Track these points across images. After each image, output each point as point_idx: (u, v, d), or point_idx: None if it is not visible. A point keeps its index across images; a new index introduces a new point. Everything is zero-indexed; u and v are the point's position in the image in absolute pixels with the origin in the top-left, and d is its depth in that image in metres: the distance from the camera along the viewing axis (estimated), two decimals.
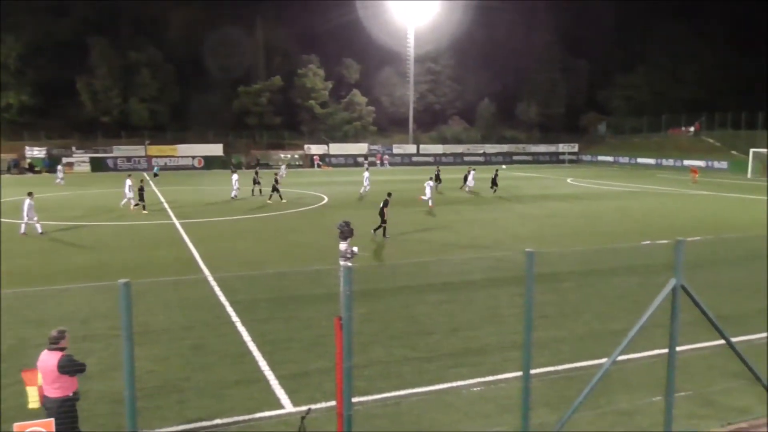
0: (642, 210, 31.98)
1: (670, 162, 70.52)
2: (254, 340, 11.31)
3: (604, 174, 61.91)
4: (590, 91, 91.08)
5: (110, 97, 72.28)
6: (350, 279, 6.16)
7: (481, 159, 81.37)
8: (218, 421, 8.25)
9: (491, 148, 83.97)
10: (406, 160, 79.00)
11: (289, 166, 67.00)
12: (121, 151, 68.32)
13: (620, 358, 7.78)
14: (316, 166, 73.66)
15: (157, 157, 68.33)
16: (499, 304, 13.64)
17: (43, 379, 6.61)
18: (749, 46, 79.24)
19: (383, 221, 22.80)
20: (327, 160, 75.39)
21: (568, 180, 53.66)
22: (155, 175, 54.92)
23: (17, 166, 62.36)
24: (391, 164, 76.33)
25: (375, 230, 22.95)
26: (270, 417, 8.36)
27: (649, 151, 75.83)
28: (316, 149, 75.86)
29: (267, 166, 66.18)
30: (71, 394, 6.69)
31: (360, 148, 78.40)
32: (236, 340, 11.38)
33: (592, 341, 11.27)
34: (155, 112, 74.64)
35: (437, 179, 38.61)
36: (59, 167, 52.11)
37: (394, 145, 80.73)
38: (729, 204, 35.28)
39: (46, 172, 61.11)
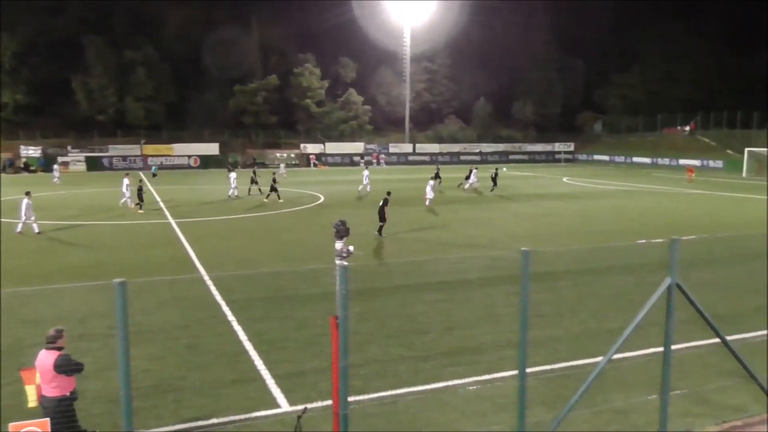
0: (638, 209, 32.06)
1: (666, 161, 70.69)
2: (250, 339, 11.31)
3: (600, 173, 62.02)
4: (586, 90, 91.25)
5: (106, 95, 72.13)
6: (346, 278, 6.16)
7: (477, 158, 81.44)
8: (214, 420, 8.24)
9: (487, 148, 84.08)
10: (403, 159, 79.03)
11: (286, 165, 67.03)
12: (116, 150, 68.19)
13: (616, 356, 7.79)
14: (312, 165, 73.62)
15: (153, 156, 68.23)
16: (495, 303, 13.66)
17: (40, 378, 6.61)
18: (744, 46, 79.53)
19: (382, 220, 22.80)
20: (323, 159, 75.38)
21: (564, 179, 53.74)
22: (154, 174, 54.79)
23: (12, 166, 62.14)
24: (387, 163, 76.35)
25: (380, 231, 22.95)
26: (266, 416, 8.36)
27: (644, 151, 75.98)
28: (312, 148, 75.84)
29: (263, 165, 66.16)
30: (68, 394, 6.67)
31: (356, 147, 78.43)
32: (232, 340, 11.37)
33: (588, 340, 11.29)
34: (151, 111, 74.50)
35: (437, 177, 38.71)
36: (55, 166, 51.97)
37: (390, 145, 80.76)
38: (724, 203, 35.39)
39: (42, 171, 60.96)
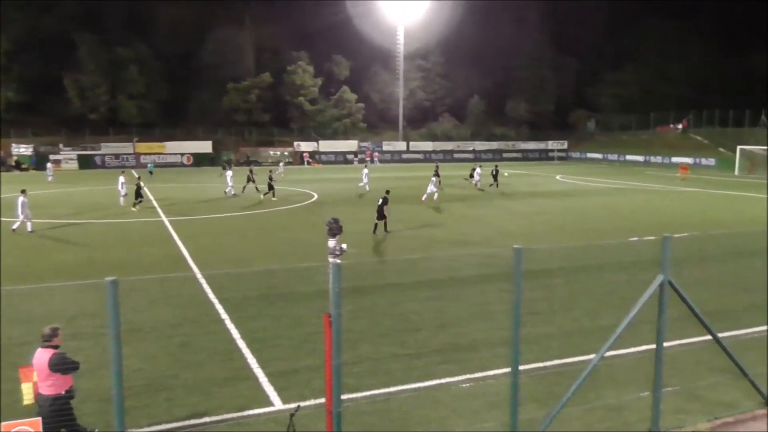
0: (630, 207, 32.16)
1: (659, 159, 70.92)
2: (243, 337, 11.29)
3: (593, 171, 62.18)
4: (579, 88, 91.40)
5: (98, 93, 71.72)
6: (339, 276, 6.16)
7: (471, 156, 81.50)
8: (207, 419, 8.22)
9: (481, 146, 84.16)
10: (396, 158, 78.99)
11: (284, 163, 66.92)
12: (109, 148, 67.82)
13: (608, 353, 7.82)
14: (305, 163, 73.52)
15: (145, 154, 67.88)
16: (488, 301, 13.68)
17: (37, 376, 6.60)
18: (737, 45, 79.88)
19: (382, 218, 22.84)
20: (317, 157, 75.25)
21: (558, 177, 53.85)
22: (150, 172, 54.53)
23: (3, 164, 61.69)
24: (380, 161, 76.29)
25: (385, 230, 23.08)
26: (259, 414, 8.35)
27: (637, 149, 76.21)
28: (305, 146, 75.71)
29: (257, 163, 66.03)
30: (63, 392, 6.66)
31: (350, 145, 78.36)
32: (225, 338, 11.34)
33: (581, 337, 11.33)
34: (143, 109, 74.12)
35: (436, 175, 38.88)
36: (49, 165, 51.62)
37: (384, 143, 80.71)
38: (716, 201, 35.55)
39: (33, 169, 60.57)
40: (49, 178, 47.83)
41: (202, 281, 15.53)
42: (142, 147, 68.92)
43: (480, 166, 44.84)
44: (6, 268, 17.04)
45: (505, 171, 43.45)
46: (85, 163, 65.32)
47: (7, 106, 68.66)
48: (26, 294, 14.15)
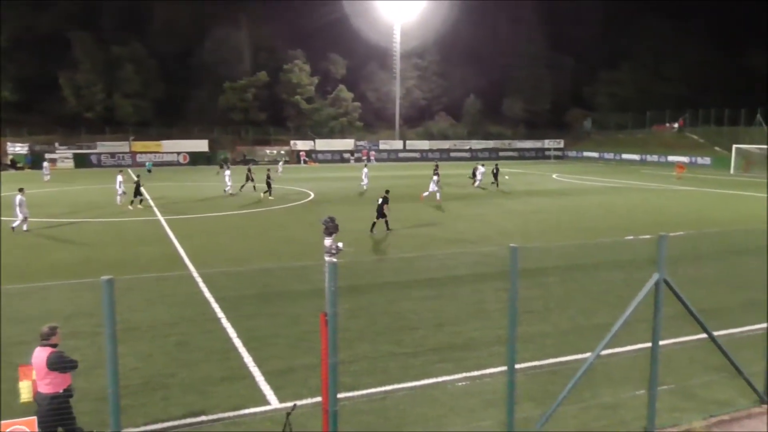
0: (626, 206, 32.23)
1: (655, 158, 71.07)
2: (240, 336, 11.28)
3: (590, 170, 62.29)
4: (575, 87, 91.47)
5: (93, 92, 71.46)
6: (335, 275, 6.16)
7: (467, 155, 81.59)
8: (203, 417, 8.22)
9: (477, 144, 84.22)
10: (393, 156, 78.97)
11: (275, 162, 66.79)
12: (105, 147, 67.65)
13: (604, 352, 7.85)
14: (302, 162, 73.45)
15: (141, 153, 67.76)
16: (484, 299, 13.70)
17: (36, 374, 6.61)
18: (733, 44, 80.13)
19: (382, 217, 22.90)
20: (313, 156, 75.21)
21: (554, 176, 53.93)
22: (148, 170, 54.33)
23: None
24: (377, 160, 76.28)
25: (388, 229, 23.17)
26: (255, 413, 8.35)
27: (633, 147, 76.35)
28: (302, 145, 75.64)
29: (253, 162, 65.95)
30: (61, 391, 6.66)
31: (346, 144, 78.33)
32: (222, 337, 11.34)
33: (577, 336, 11.35)
34: (139, 107, 73.83)
35: (437, 174, 39.04)
36: (45, 164, 51.42)
37: (380, 141, 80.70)
38: (712, 200, 35.65)
39: (29, 168, 60.37)
40: (47, 177, 47.63)
41: (199, 280, 15.51)
42: (138, 146, 68.78)
43: (483, 165, 44.93)
44: (2, 266, 16.99)
45: (506, 174, 43.55)
46: (81, 162, 65.15)
47: (2, 105, 68.36)
48: (22, 293, 14.11)
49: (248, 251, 19.93)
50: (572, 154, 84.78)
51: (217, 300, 13.53)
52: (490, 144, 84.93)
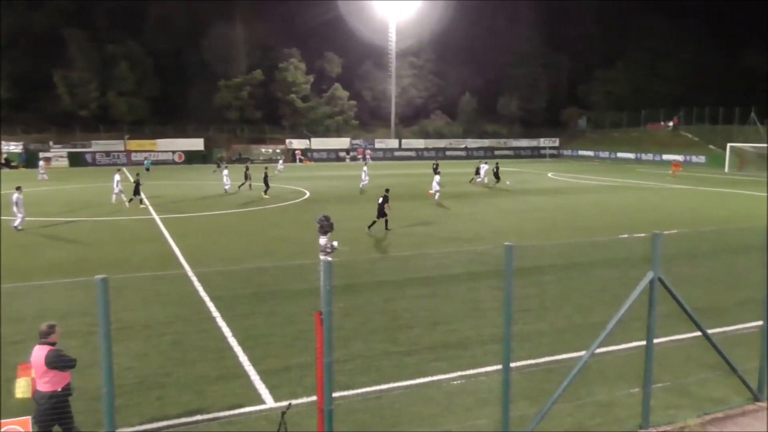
0: (622, 204, 32.31)
1: (650, 156, 71.29)
2: (235, 335, 11.27)
3: (585, 168, 62.40)
4: (571, 86, 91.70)
5: (88, 90, 71.20)
6: (330, 274, 6.15)
7: (462, 153, 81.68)
8: (199, 417, 8.21)
9: (473, 143, 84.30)
10: (389, 155, 78.96)
11: (270, 160, 66.76)
12: (99, 145, 67.47)
13: (599, 350, 7.87)
14: (297, 160, 73.36)
15: (136, 151, 67.62)
16: (480, 298, 13.71)
17: (34, 372, 6.61)
18: (727, 42, 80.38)
19: (382, 216, 22.92)
20: (309, 154, 75.13)
21: (549, 174, 54.00)
22: (147, 169, 54.17)
23: None
24: (373, 159, 76.27)
25: (386, 227, 23.15)
26: (251, 412, 8.34)
27: (628, 146, 76.57)
28: (297, 144, 75.56)
29: (249, 160, 65.87)
30: (60, 390, 6.66)
31: (342, 142, 78.27)
32: (217, 336, 11.32)
33: (572, 334, 11.37)
34: (134, 106, 73.66)
35: (438, 173, 39.24)
36: (41, 163, 51.21)
37: (376, 140, 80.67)
38: (707, 198, 35.76)
39: (23, 167, 60.11)
40: (44, 177, 47.38)
41: (194, 279, 15.49)
42: (133, 144, 68.62)
43: (486, 163, 45.17)
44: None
45: (507, 180, 43.85)
46: (76, 160, 64.93)
47: None
48: (17, 292, 14.06)
49: (243, 250, 19.90)
50: (567, 152, 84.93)
51: (213, 299, 13.51)
52: (486, 143, 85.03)
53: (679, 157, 64.19)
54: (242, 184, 38.18)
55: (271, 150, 73.02)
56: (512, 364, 7.30)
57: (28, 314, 11.78)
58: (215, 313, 12.56)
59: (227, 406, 8.49)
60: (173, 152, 69.52)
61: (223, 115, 77.12)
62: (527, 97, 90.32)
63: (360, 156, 75.70)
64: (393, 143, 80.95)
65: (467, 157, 79.67)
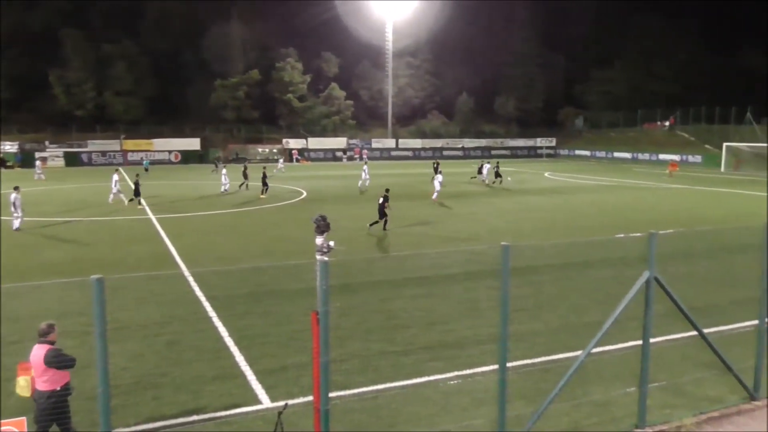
0: (618, 204, 32.35)
1: (646, 156, 71.40)
2: (231, 335, 11.25)
3: (582, 168, 62.47)
4: (567, 86, 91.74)
5: (84, 90, 71.06)
6: (327, 273, 6.15)
7: (459, 153, 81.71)
8: (195, 417, 8.19)
9: (470, 143, 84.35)
10: (386, 155, 78.96)
11: (268, 160, 66.68)
12: (95, 145, 67.33)
13: (595, 350, 7.87)
14: (294, 160, 73.30)
15: (132, 151, 67.49)
16: (476, 298, 13.71)
17: (34, 371, 6.62)
18: (723, 42, 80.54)
19: (383, 216, 22.93)
20: (306, 154, 75.07)
21: (546, 174, 54.06)
22: (146, 169, 54.09)
23: None
24: (370, 158, 76.20)
25: (384, 228, 23.15)
26: (247, 413, 8.33)
27: (625, 146, 76.69)
28: (294, 143, 75.49)
29: (246, 160, 65.80)
30: (59, 389, 6.67)
31: (339, 142, 78.23)
32: (213, 336, 11.30)
33: (568, 334, 11.38)
34: (131, 105, 73.52)
35: (438, 171, 39.25)
36: (37, 163, 51.08)
37: (373, 140, 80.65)
38: (703, 197, 35.83)
39: (19, 167, 59.91)
40: (41, 176, 47.26)
41: (190, 279, 15.45)
42: (130, 144, 68.49)
43: (489, 163, 45.36)
44: None
45: (509, 176, 44.07)
46: (72, 160, 64.79)
47: None
48: (12, 292, 14.01)
49: (240, 250, 19.87)
50: (564, 152, 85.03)
51: (209, 299, 13.49)
52: (483, 142, 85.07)
53: (676, 157, 64.34)
54: (242, 183, 38.26)
55: (267, 150, 72.97)
56: (509, 364, 7.30)
57: (24, 314, 11.77)
58: (211, 313, 12.54)
59: (223, 406, 8.47)
60: (170, 152, 69.41)
61: (220, 114, 77.00)
62: (524, 96, 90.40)
63: (357, 156, 75.71)
64: (390, 143, 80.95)
65: (464, 157, 79.76)
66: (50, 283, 14.77)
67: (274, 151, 72.83)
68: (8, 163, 61.13)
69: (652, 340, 7.89)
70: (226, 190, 37.00)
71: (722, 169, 58.71)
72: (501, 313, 7.09)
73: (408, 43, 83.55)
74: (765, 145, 55.97)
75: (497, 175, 42.78)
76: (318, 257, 13.94)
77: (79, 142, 66.70)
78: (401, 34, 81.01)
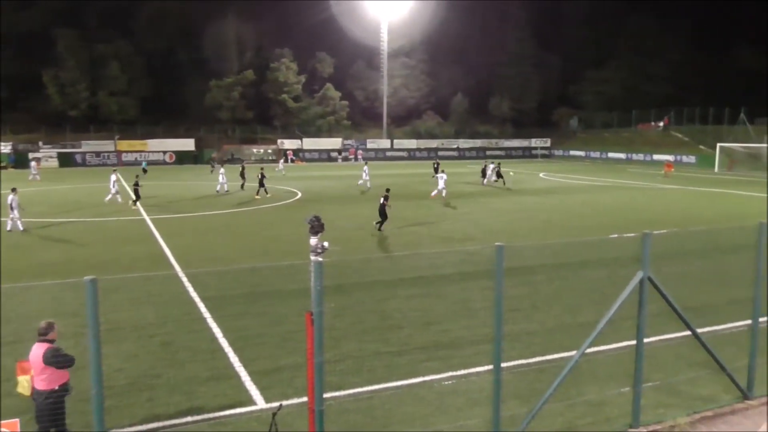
0: (612, 204, 32.43)
1: (640, 156, 71.61)
2: (226, 336, 11.23)
3: (576, 168, 62.61)
4: (562, 86, 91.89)
5: (78, 90, 70.77)
6: (321, 274, 6.15)
7: (455, 154, 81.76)
8: (189, 418, 8.17)
9: (465, 143, 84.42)
10: (381, 155, 78.89)
11: (263, 161, 66.57)
12: (89, 146, 67.05)
13: (589, 350, 7.89)
14: (289, 160, 73.17)
15: (126, 152, 67.27)
16: (471, 298, 13.73)
17: (33, 370, 6.61)
18: (717, 43, 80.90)
19: (385, 216, 22.94)
20: (301, 154, 74.98)
21: (541, 174, 54.15)
22: (144, 170, 53.88)
23: None
24: (364, 159, 76.12)
25: (380, 227, 23.14)
26: (241, 414, 8.32)
27: (619, 146, 76.90)
28: (289, 144, 75.38)
29: (242, 161, 65.69)
30: (57, 387, 6.68)
31: (334, 142, 78.18)
32: (207, 337, 11.28)
33: (563, 334, 11.40)
34: (125, 105, 73.27)
35: (438, 171, 39.19)
36: (33, 163, 50.84)
37: (368, 140, 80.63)
38: (697, 198, 35.95)
39: (12, 167, 59.64)
40: (36, 177, 47.04)
41: (184, 280, 15.42)
42: (124, 145, 68.26)
43: (492, 163, 45.51)
44: None
45: (511, 171, 44.31)
46: (66, 161, 64.52)
47: None
48: (7, 293, 13.95)
49: (235, 250, 19.84)
50: (559, 152, 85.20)
51: (203, 299, 13.46)
52: (478, 143, 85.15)
53: (670, 157, 64.54)
54: (242, 184, 38.30)
55: (262, 150, 72.84)
56: (503, 364, 7.31)
57: (19, 315, 11.72)
58: (206, 314, 12.51)
59: (218, 407, 8.46)
60: (164, 152, 69.21)
61: (215, 115, 76.77)
62: (519, 97, 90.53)
63: (351, 156, 75.68)
64: (385, 143, 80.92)
65: (459, 158, 79.81)
66: (44, 284, 14.72)
67: (269, 151, 72.72)
68: (2, 164, 60.72)
69: (646, 340, 7.91)
70: (226, 190, 36.92)
71: (716, 169, 58.92)
72: (495, 314, 7.10)
73: (403, 43, 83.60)
74: (758, 145, 56.22)
75: (499, 175, 42.95)
76: (312, 258, 13.94)
77: (72, 143, 66.39)
78: (396, 35, 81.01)
